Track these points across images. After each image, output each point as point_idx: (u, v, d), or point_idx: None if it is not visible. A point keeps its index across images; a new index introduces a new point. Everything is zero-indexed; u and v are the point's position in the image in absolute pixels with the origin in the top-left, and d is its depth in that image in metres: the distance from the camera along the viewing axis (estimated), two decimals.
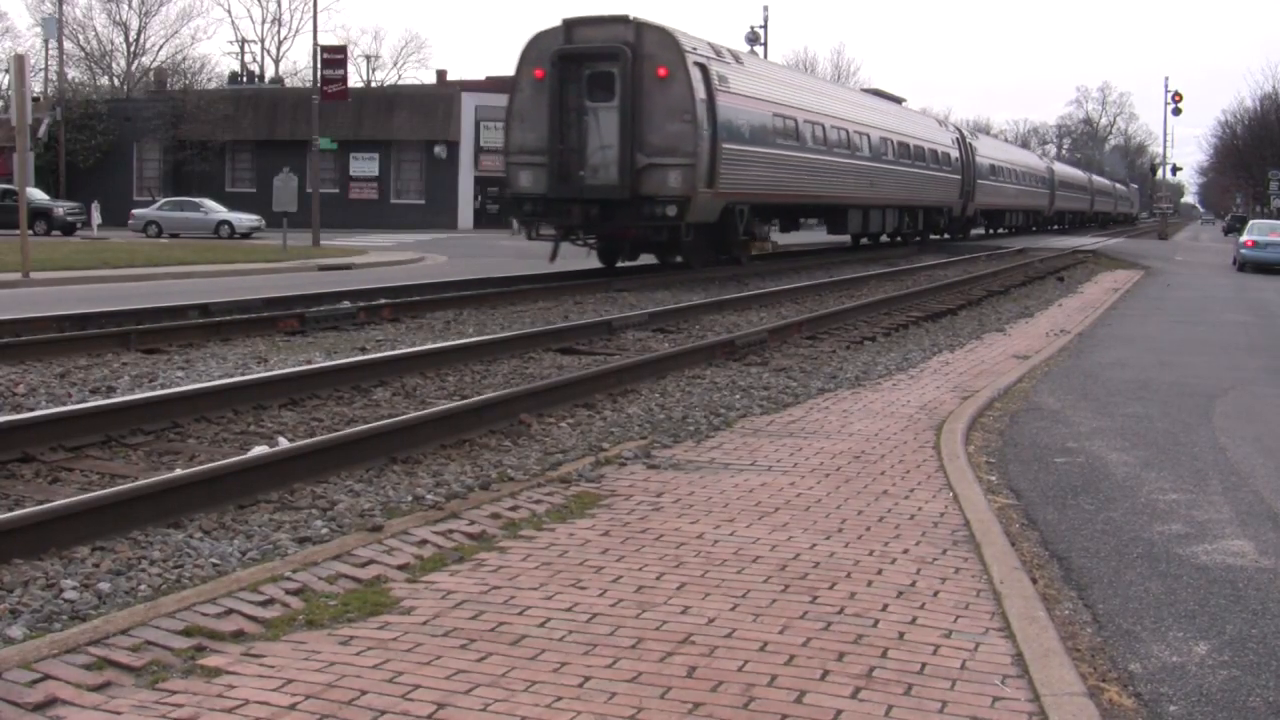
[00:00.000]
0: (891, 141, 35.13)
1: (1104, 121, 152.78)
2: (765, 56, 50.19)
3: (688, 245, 24.35)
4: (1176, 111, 65.95)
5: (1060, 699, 4.37)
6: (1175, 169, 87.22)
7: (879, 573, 5.79)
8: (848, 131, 31.55)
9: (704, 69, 23.39)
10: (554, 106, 22.87)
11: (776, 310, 18.97)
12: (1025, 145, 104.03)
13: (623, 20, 23.20)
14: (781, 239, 32.92)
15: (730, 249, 26.18)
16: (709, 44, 24.91)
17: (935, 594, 5.51)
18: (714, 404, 10.36)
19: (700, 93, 22.87)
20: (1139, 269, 35.05)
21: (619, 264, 25.70)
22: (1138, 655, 5.01)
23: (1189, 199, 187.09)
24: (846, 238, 38.51)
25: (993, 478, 8.05)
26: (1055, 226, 69.13)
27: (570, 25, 23.36)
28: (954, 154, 42.58)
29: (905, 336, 16.07)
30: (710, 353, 12.98)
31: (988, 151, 50.16)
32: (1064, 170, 74.92)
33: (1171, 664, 4.92)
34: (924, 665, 4.67)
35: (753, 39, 50.53)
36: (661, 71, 22.52)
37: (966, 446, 8.81)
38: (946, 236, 45.30)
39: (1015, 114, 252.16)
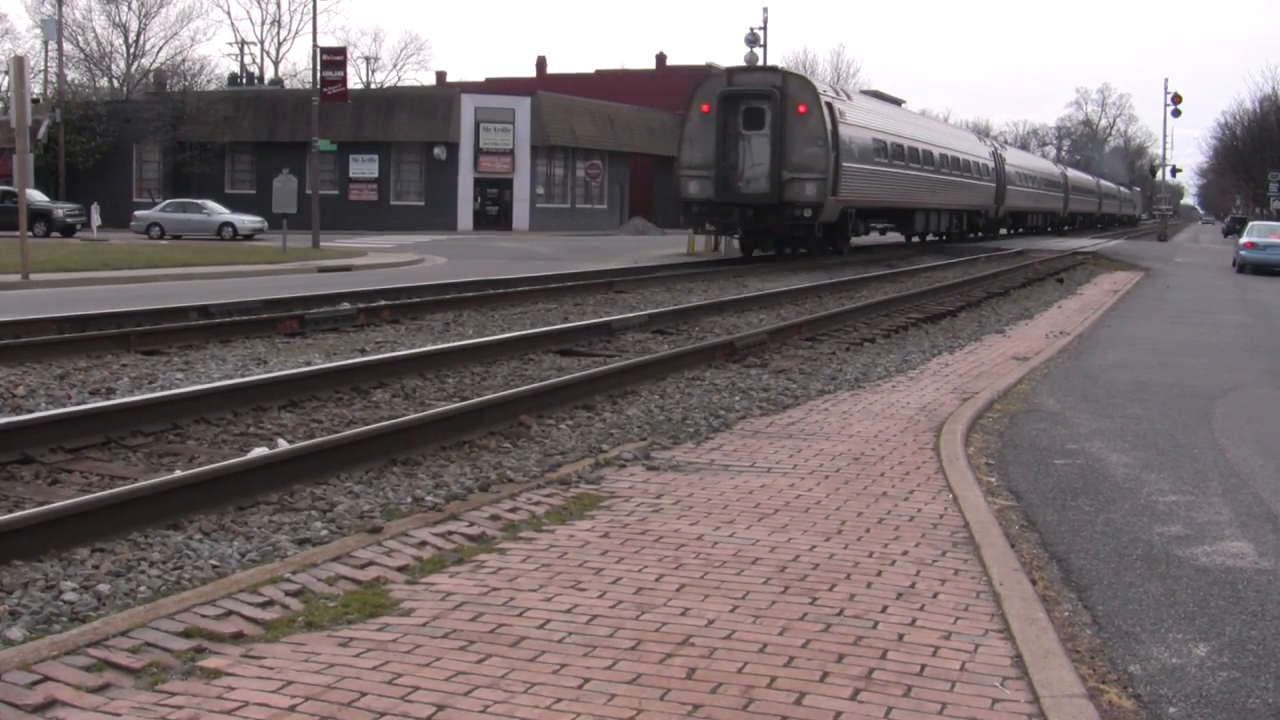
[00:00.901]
0: (948, 156, 42.56)
1: (1104, 123, 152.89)
2: (765, 58, 51.43)
3: (814, 240, 32.03)
4: (1176, 113, 65.77)
5: (1060, 700, 4.37)
6: (1175, 170, 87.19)
7: (878, 574, 5.79)
8: (919, 150, 38.86)
9: (830, 106, 30.78)
10: (719, 133, 30.36)
11: (776, 312, 18.97)
12: (1025, 147, 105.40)
13: (772, 70, 32.82)
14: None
15: (836, 242, 33.57)
16: (831, 86, 34.88)
17: (935, 595, 5.51)
18: (713, 405, 10.36)
19: (828, 124, 30.26)
20: (1139, 270, 35.06)
21: (754, 254, 33.13)
22: (1137, 657, 5.01)
23: (1189, 200, 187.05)
24: (901, 237, 45.37)
25: (992, 479, 8.05)
26: (1067, 228, 73.64)
27: (731, 72, 32.05)
28: (990, 165, 49.86)
29: (905, 338, 16.07)
30: (710, 354, 12.98)
31: (1015, 161, 57.38)
32: (1076, 175, 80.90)
33: (1171, 665, 4.92)
34: (923, 667, 4.67)
35: (752, 40, 50.40)
36: (802, 109, 30.08)
37: (966, 448, 8.81)
38: (982, 235, 51.92)
39: (1014, 115, 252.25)
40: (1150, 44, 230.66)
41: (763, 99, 30.17)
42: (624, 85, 75.13)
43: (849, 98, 34.69)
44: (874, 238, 42.47)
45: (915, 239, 45.39)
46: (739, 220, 31.02)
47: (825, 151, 30.05)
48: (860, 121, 33.35)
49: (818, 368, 12.83)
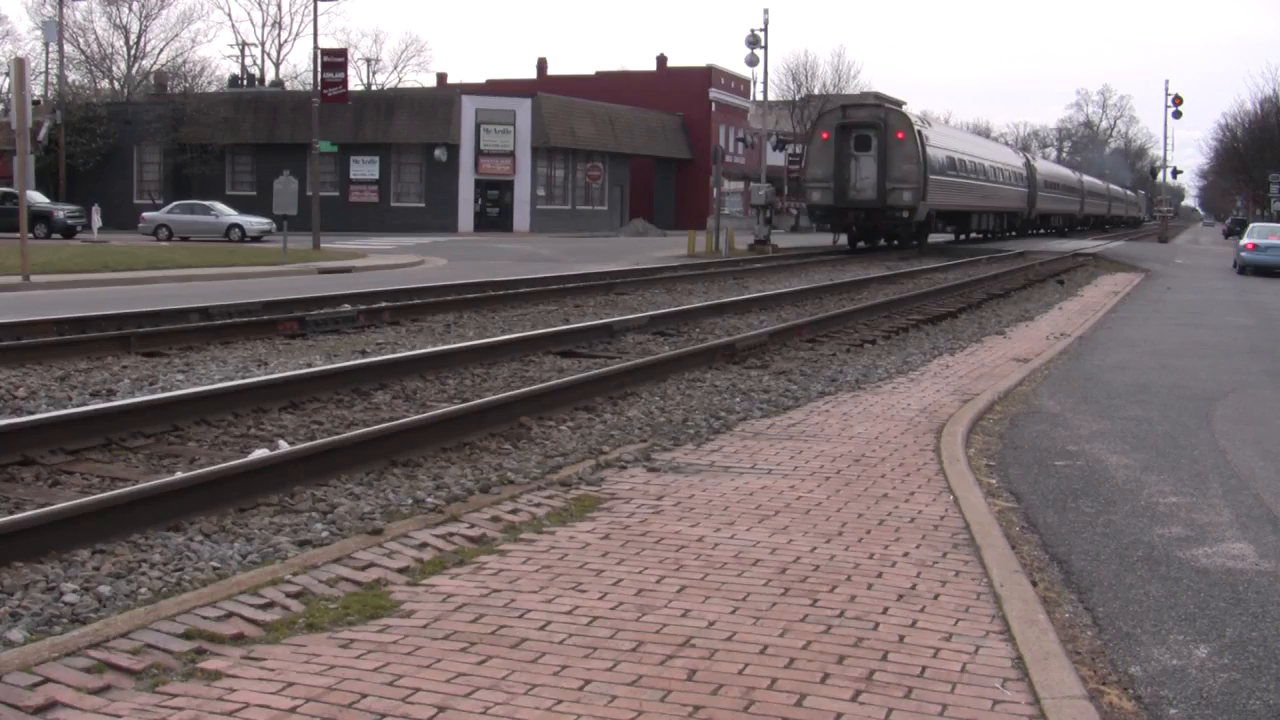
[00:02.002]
0: (995, 168, 52.73)
1: (1104, 125, 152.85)
2: (765, 61, 53.03)
3: (908, 235, 42.46)
4: (1177, 114, 65.53)
5: (1060, 702, 4.37)
6: (1176, 172, 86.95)
7: (879, 576, 5.79)
8: (976, 163, 48.97)
9: (920, 133, 40.91)
10: (836, 155, 40.35)
11: (777, 313, 18.97)
12: (1026, 148, 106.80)
13: (878, 105, 41.97)
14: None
15: (919, 237, 43.39)
16: (920, 117, 45.38)
17: (935, 597, 5.51)
18: (714, 407, 10.36)
19: (919, 146, 40.21)
20: (1139, 272, 35.06)
21: (857, 245, 42.85)
22: (1138, 658, 5.01)
23: (1189, 202, 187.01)
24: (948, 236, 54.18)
25: (993, 481, 8.05)
26: (1080, 228, 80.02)
27: (845, 108, 42.59)
28: (1024, 173, 59.93)
29: (905, 339, 16.07)
30: (710, 356, 12.98)
31: (1043, 170, 67.66)
32: (1090, 181, 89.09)
33: (1172, 667, 4.92)
34: (924, 668, 4.67)
35: (753, 42, 50.31)
36: (900, 135, 40.06)
37: (967, 449, 8.81)
38: (1016, 234, 60.13)
39: (1015, 116, 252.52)
40: (1150, 45, 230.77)
41: (870, 128, 40.29)
42: (624, 87, 75.15)
43: (930, 125, 46.39)
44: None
45: (963, 236, 53.89)
46: (852, 220, 41.38)
47: (917, 167, 39.89)
48: (939, 143, 43.91)
49: (818, 369, 12.83)
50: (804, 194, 42.31)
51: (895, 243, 43.07)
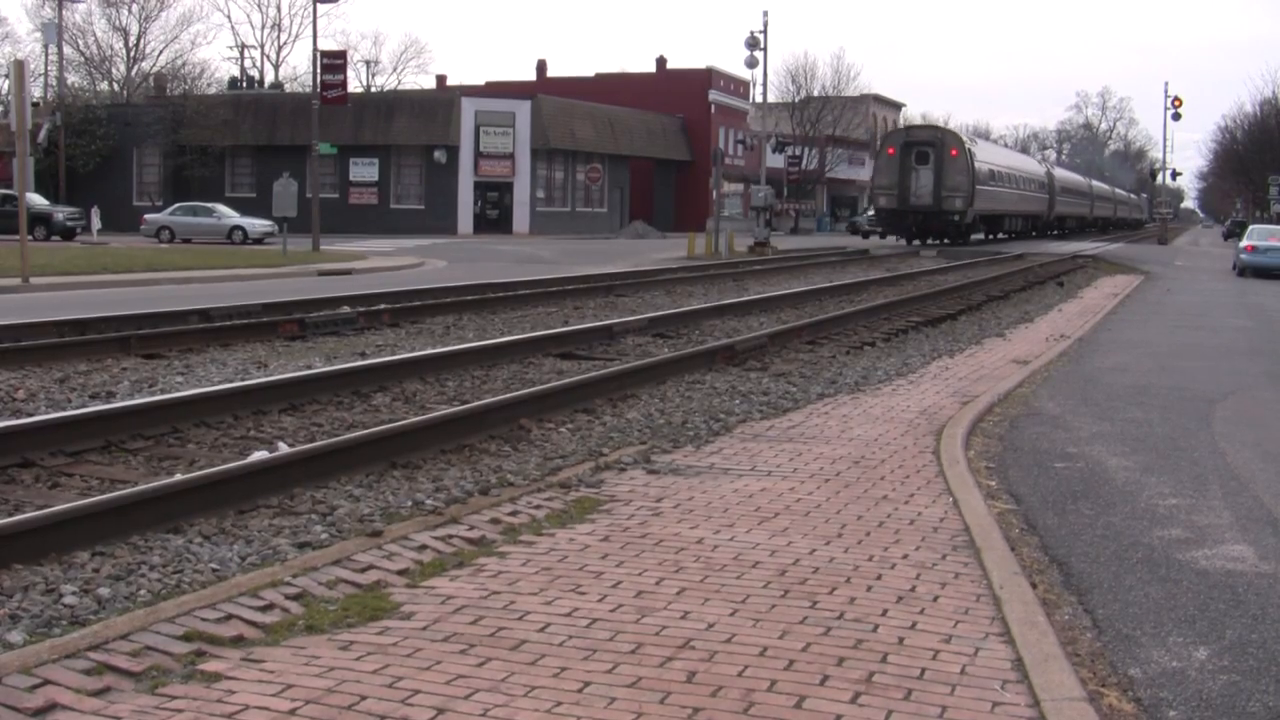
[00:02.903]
0: (1025, 178, 61.24)
1: (1104, 127, 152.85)
2: (765, 63, 55.47)
3: (955, 235, 50.73)
4: (1176, 116, 65.48)
5: (1060, 704, 4.37)
6: (1175, 174, 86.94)
7: (879, 578, 5.79)
8: (1009, 174, 56.93)
9: (970, 151, 49.67)
10: (901, 167, 48.87)
11: (776, 315, 18.97)
12: (1025, 150, 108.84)
13: (935, 127, 55.06)
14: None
15: (965, 236, 52.12)
16: (969, 136, 56.36)
17: (935, 599, 5.51)
18: (714, 409, 10.36)
19: (969, 161, 48.78)
20: (1139, 274, 35.06)
21: (913, 242, 51.12)
22: (1138, 660, 5.01)
23: (1189, 204, 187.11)
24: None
25: (993, 483, 8.05)
26: (1089, 229, 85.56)
27: (908, 129, 54.25)
28: (1045, 181, 67.60)
29: (905, 341, 16.06)
30: (710, 358, 12.98)
31: (1060, 177, 75.57)
32: (1098, 186, 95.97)
33: (1171, 669, 4.92)
34: (924, 670, 4.67)
35: (753, 44, 50.32)
36: (954, 152, 48.79)
37: (966, 451, 8.81)
38: (1036, 234, 66.28)
39: (1014, 119, 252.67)
40: (1150, 47, 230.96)
41: (928, 145, 49.05)
42: (624, 88, 75.18)
43: (976, 143, 55.28)
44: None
45: (992, 236, 59.99)
46: (912, 221, 49.99)
47: (967, 179, 48.31)
48: (983, 158, 52.29)
49: (818, 371, 12.83)
50: (872, 200, 52.73)
51: (945, 240, 50.82)
